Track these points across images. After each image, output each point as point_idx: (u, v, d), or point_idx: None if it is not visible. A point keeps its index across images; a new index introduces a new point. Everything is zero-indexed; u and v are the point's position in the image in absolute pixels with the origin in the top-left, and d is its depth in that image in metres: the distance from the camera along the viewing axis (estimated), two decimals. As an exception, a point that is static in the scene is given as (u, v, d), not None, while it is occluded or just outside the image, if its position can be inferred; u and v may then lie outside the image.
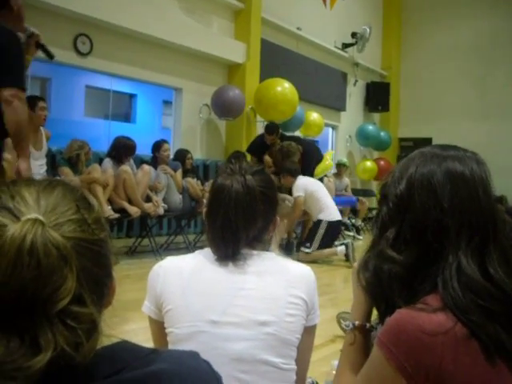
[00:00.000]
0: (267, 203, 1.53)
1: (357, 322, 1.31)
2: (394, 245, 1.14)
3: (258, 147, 8.03)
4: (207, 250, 1.54)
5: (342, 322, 3.17)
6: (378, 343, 1.06)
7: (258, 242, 1.54)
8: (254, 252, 1.52)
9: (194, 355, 0.86)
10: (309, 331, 1.54)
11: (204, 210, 1.60)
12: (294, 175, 6.90)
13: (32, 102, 5.49)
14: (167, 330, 1.47)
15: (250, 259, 1.49)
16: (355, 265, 1.31)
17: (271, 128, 8.00)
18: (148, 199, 6.20)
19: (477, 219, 1.11)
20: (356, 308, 1.34)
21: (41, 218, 0.70)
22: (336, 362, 1.42)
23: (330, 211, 6.79)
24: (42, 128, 5.55)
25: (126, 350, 0.81)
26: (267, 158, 7.88)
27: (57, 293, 0.68)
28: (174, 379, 0.77)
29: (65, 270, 0.69)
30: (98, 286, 0.76)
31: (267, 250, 1.57)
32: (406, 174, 1.18)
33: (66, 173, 5.63)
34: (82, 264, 0.72)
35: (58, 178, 5.42)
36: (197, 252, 1.57)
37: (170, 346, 1.45)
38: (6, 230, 0.68)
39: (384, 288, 1.15)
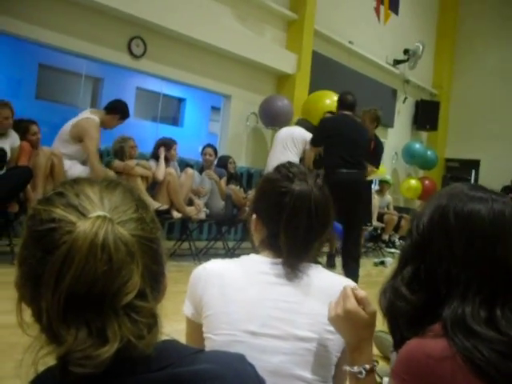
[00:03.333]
0: (331, 211, 1.53)
1: (367, 366, 1.30)
2: (409, 283, 1.18)
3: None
4: (252, 257, 1.51)
5: (379, 341, 3.12)
6: (392, 374, 1.11)
7: (308, 252, 1.50)
8: (301, 264, 1.47)
9: (240, 358, 0.88)
10: None
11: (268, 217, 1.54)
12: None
13: (125, 111, 5.69)
14: (205, 335, 1.44)
15: (296, 271, 1.46)
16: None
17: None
18: (190, 203, 6.23)
19: (490, 272, 1.11)
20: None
21: (108, 215, 0.73)
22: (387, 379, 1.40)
23: None
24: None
25: (173, 347, 0.84)
26: None
27: (124, 287, 0.72)
28: (219, 380, 0.78)
29: (132, 265, 0.73)
30: (157, 283, 0.80)
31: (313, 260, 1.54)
32: (430, 210, 1.20)
33: (116, 166, 5.69)
34: (144, 261, 0.75)
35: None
36: (241, 258, 1.53)
37: None
38: (76, 226, 0.71)
39: (397, 321, 1.20)
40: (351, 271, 5.03)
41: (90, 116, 5.54)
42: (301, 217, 1.45)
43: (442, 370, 1.04)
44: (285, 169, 1.54)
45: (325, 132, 5.62)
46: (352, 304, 1.29)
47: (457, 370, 1.03)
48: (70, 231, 0.71)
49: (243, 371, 0.84)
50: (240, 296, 1.42)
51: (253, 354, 1.34)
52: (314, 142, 6.02)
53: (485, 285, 1.10)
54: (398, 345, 1.18)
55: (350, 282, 1.50)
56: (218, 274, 1.47)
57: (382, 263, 7.36)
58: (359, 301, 1.31)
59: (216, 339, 1.40)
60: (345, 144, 5.33)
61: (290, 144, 6.86)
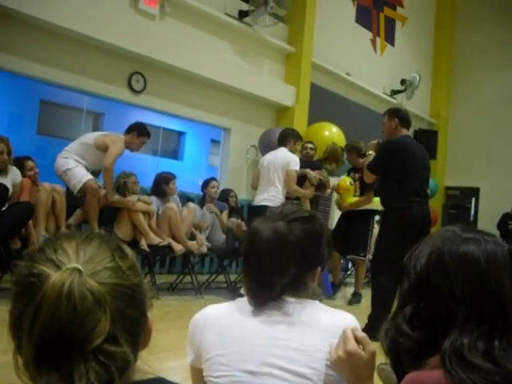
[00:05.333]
0: (303, 252, 1.48)
1: None
2: (410, 321, 1.21)
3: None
4: (245, 299, 1.53)
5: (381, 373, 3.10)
6: None
7: (297, 287, 1.50)
8: (293, 300, 1.48)
9: None
10: None
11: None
12: None
13: (144, 130, 5.81)
14: (206, 379, 1.45)
15: (289, 308, 1.46)
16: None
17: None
18: (192, 237, 6.23)
19: (487, 307, 1.16)
20: None
21: (79, 266, 0.78)
22: None
23: None
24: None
25: None
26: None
27: (91, 333, 0.75)
28: None
29: (99, 312, 0.76)
30: (133, 327, 0.82)
31: (310, 296, 1.53)
32: (426, 252, 1.24)
33: (118, 201, 5.72)
34: (117, 306, 0.79)
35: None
36: (236, 300, 1.56)
37: None
38: (49, 278, 0.76)
39: (399, 358, 1.24)
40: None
41: (112, 133, 5.78)
42: (251, 255, 1.51)
43: None
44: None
45: (394, 156, 4.78)
46: (352, 346, 1.33)
47: None
48: (44, 283, 0.76)
49: None
50: (237, 337, 1.44)
51: None
52: (374, 169, 5.01)
53: (483, 319, 1.14)
54: (400, 380, 1.21)
55: (345, 317, 1.51)
56: (214, 318, 1.50)
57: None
58: (359, 341, 1.36)
59: (217, 381, 1.42)
60: (415, 172, 4.72)
61: (273, 173, 6.14)
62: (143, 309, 0.86)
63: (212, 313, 1.53)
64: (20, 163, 5.17)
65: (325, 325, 1.45)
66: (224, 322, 1.48)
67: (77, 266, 0.78)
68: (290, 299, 1.48)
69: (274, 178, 6.09)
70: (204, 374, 1.47)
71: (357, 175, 6.85)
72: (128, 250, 0.89)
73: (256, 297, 1.48)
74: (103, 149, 5.47)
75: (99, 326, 0.75)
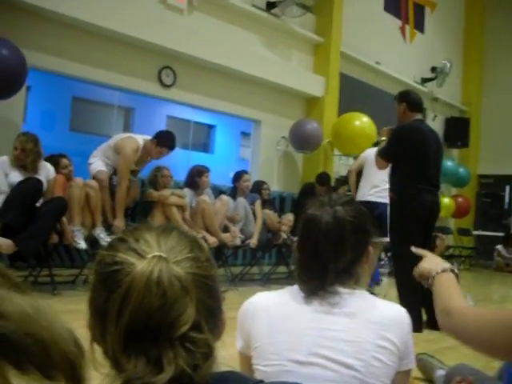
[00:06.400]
0: (358, 233, 1.52)
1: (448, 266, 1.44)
2: None
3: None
4: (295, 287, 1.53)
5: (421, 363, 3.09)
6: None
7: (349, 275, 1.51)
8: (345, 290, 1.48)
9: None
10: (401, 376, 1.49)
11: (295, 242, 1.60)
12: None
13: (163, 139, 5.73)
14: (255, 367, 1.47)
15: (340, 298, 1.46)
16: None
17: (323, 178, 7.56)
18: (225, 229, 6.27)
19: None
20: None
21: (164, 255, 0.80)
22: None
23: None
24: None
25: (233, 378, 0.89)
26: None
27: (179, 319, 0.77)
28: None
29: (186, 299, 0.78)
30: (212, 317, 0.84)
31: (358, 284, 1.54)
32: None
33: (151, 196, 5.78)
34: (199, 296, 0.80)
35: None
36: (286, 288, 1.56)
37: None
38: (134, 266, 0.78)
39: None
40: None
41: (132, 136, 5.75)
42: (309, 242, 1.51)
43: None
44: (324, 196, 1.58)
45: (405, 143, 4.65)
46: None
47: None
48: (129, 271, 0.78)
49: None
50: (286, 326, 1.45)
51: (302, 382, 1.37)
52: (386, 155, 4.85)
53: None
54: None
55: (396, 309, 1.52)
56: (263, 306, 1.51)
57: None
58: None
59: (265, 370, 1.43)
60: (428, 159, 4.58)
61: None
62: (220, 300, 0.88)
63: (261, 301, 1.54)
64: (55, 160, 5.23)
65: (375, 316, 1.45)
66: (273, 310, 1.49)
67: (162, 255, 0.80)
68: (341, 289, 1.49)
69: None
70: (253, 361, 1.48)
71: None
72: (203, 243, 0.91)
73: (309, 286, 1.49)
74: (119, 152, 5.52)
75: (186, 312, 0.77)
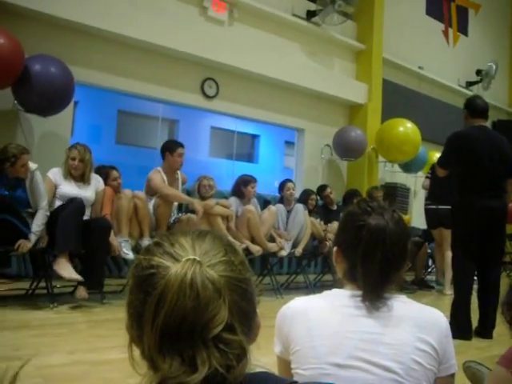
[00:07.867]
0: (408, 239, 1.57)
1: None
2: None
3: None
4: (333, 292, 1.54)
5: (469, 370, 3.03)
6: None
7: (392, 280, 1.52)
8: (385, 295, 1.49)
9: None
10: (442, 382, 1.47)
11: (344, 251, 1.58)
12: None
13: (172, 146, 5.72)
14: (294, 371, 1.47)
15: (380, 302, 1.47)
16: None
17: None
18: (272, 240, 6.27)
19: None
20: None
21: (198, 258, 0.83)
22: None
23: None
24: (178, 172, 5.80)
25: (268, 378, 0.90)
26: None
27: (212, 321, 0.79)
28: None
29: (219, 301, 0.80)
30: (246, 319, 0.85)
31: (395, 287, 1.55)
32: None
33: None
34: (233, 298, 0.82)
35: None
36: (324, 293, 1.56)
37: None
38: (169, 269, 0.81)
39: None
40: (491, 323, 4.23)
41: (150, 174, 5.73)
42: (376, 250, 1.49)
43: None
44: (365, 203, 1.58)
45: (456, 150, 4.62)
46: None
47: None
48: (164, 274, 0.81)
49: None
50: (325, 330, 1.45)
51: None
52: (441, 163, 4.88)
53: None
54: None
55: (434, 313, 1.51)
56: (302, 310, 1.52)
57: None
58: None
59: (304, 374, 1.43)
60: (479, 165, 4.46)
61: None
62: (254, 303, 0.89)
63: (299, 305, 1.54)
64: (104, 172, 5.33)
65: (414, 319, 1.45)
66: (312, 314, 1.49)
67: (196, 258, 0.83)
68: (384, 294, 1.49)
69: None
70: (292, 365, 1.49)
71: None
72: (238, 247, 0.93)
73: (364, 293, 1.48)
74: (153, 194, 5.56)
75: (219, 314, 0.79)
